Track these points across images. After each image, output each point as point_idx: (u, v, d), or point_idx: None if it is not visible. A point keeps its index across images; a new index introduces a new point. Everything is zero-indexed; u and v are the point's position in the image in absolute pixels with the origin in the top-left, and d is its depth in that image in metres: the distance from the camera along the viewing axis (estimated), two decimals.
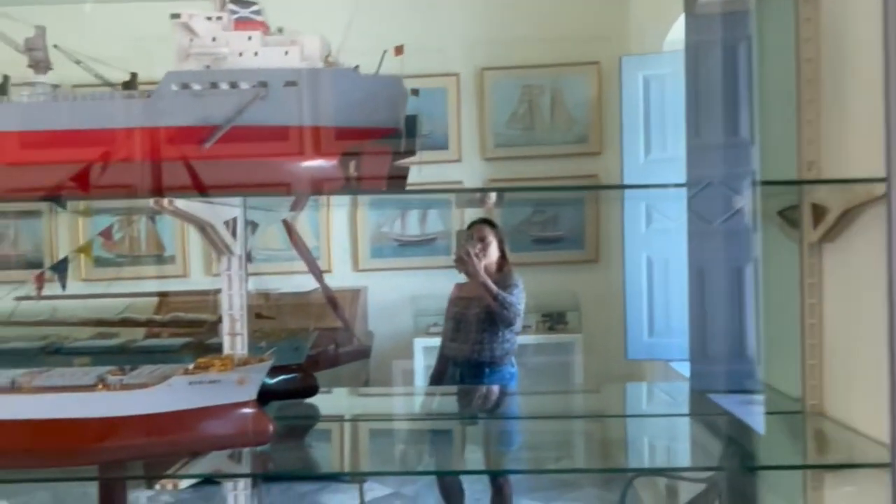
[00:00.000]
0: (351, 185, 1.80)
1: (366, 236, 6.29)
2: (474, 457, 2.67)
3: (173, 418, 1.66)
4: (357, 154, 1.77)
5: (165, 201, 1.66)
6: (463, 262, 4.11)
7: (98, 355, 3.07)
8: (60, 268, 4.14)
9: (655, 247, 5.05)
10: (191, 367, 1.74)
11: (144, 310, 5.11)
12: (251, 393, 1.76)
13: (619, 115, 5.10)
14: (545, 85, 6.09)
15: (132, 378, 1.81)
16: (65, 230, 5.44)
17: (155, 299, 5.37)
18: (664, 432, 2.52)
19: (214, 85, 1.69)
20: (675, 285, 5.08)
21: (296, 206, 4.10)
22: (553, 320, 5.87)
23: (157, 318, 4.06)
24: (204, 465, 1.77)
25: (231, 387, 1.72)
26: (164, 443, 1.68)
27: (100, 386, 1.72)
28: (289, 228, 4.15)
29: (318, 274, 4.00)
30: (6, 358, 3.10)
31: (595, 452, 2.53)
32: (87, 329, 5.06)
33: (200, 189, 1.72)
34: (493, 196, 3.23)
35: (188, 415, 1.66)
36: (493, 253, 4.34)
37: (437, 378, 4.55)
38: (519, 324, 4.36)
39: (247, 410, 1.73)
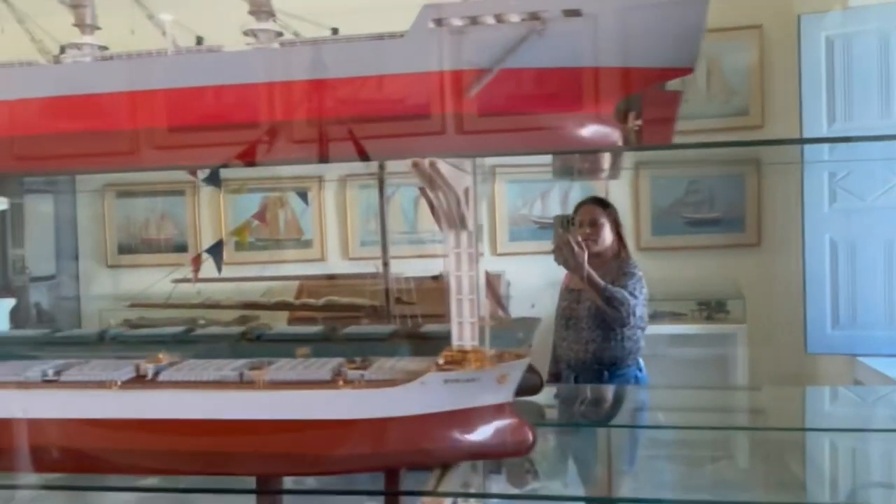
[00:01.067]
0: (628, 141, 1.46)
1: (504, 218, 6.00)
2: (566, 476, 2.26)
3: (425, 422, 1.39)
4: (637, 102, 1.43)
5: (427, 162, 1.38)
6: (562, 253, 3.46)
7: (296, 342, 2.88)
8: (216, 251, 4.02)
9: (839, 228, 4.49)
10: (440, 361, 1.47)
11: (283, 294, 4.99)
12: (509, 393, 1.48)
13: (798, 80, 4.56)
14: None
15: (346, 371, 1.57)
16: (206, 211, 5.41)
17: (293, 284, 5.25)
18: (867, 453, 2.06)
19: (475, 20, 1.39)
20: (864, 271, 4.51)
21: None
22: (711, 309, 5.37)
23: (312, 301, 3.86)
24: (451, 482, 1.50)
25: (490, 386, 1.44)
26: (412, 452, 1.42)
27: (340, 382, 1.48)
28: (427, 199, 3.88)
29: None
30: (203, 345, 2.96)
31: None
32: (230, 313, 5.00)
33: (457, 148, 1.44)
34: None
35: (441, 419, 1.39)
36: (607, 238, 3.76)
37: (553, 381, 4.03)
38: (639, 320, 3.75)
39: (506, 414, 1.44)
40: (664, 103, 1.41)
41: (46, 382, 2.01)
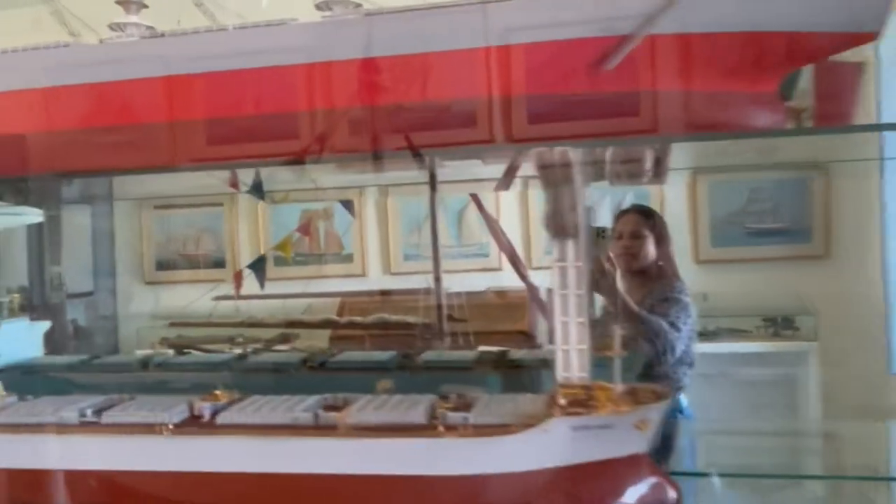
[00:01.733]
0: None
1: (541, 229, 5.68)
2: None
3: (548, 479, 1.14)
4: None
5: (556, 153, 1.13)
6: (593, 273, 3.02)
7: (365, 371, 2.63)
8: (258, 266, 3.80)
9: None
10: (561, 400, 1.21)
11: (323, 312, 4.77)
12: (646, 442, 1.22)
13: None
14: None
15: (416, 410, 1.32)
16: (245, 225, 5.22)
17: (335, 301, 5.02)
18: None
19: None
20: None
21: (505, 183, 3.46)
22: (777, 325, 5.04)
23: (359, 319, 3.62)
24: None
25: (626, 433, 1.19)
26: None
27: (440, 427, 1.22)
28: (479, 204, 3.61)
29: (517, 263, 3.42)
30: (257, 373, 2.73)
31: None
32: (270, 331, 4.79)
33: (581, 133, 1.18)
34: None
35: (568, 475, 1.13)
36: (649, 254, 3.24)
37: None
38: (684, 356, 3.20)
39: (643, 467, 1.18)
40: (842, 78, 1.13)
41: (85, 424, 1.82)
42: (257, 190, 3.80)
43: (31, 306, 4.35)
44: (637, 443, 1.20)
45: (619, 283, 3.19)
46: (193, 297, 5.01)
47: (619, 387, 1.31)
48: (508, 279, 5.22)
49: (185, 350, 3.86)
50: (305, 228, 3.69)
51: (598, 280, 2.88)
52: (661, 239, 3.28)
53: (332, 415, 1.39)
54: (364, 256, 5.24)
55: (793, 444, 3.74)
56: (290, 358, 2.82)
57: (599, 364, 2.48)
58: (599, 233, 2.90)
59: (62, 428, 1.81)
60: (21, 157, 2.13)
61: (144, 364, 2.90)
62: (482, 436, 1.20)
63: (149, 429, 1.70)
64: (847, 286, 4.75)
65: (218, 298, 3.91)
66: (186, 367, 2.88)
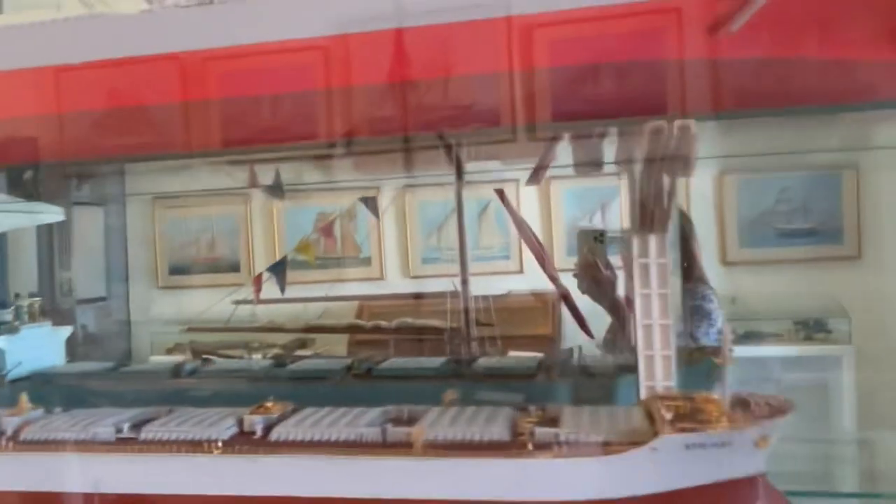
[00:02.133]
0: None
1: (561, 230, 5.55)
2: None
3: None
4: None
5: (676, 126, 0.99)
6: (585, 279, 2.67)
7: (415, 379, 2.48)
8: (278, 269, 3.68)
9: None
10: (666, 414, 1.07)
11: (341, 316, 4.66)
12: (762, 461, 1.08)
13: None
14: None
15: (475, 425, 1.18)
16: (259, 228, 5.11)
17: (352, 305, 4.91)
18: None
19: None
20: None
21: (536, 177, 3.27)
22: (810, 328, 4.87)
23: (384, 324, 3.49)
24: None
25: (745, 451, 1.05)
26: None
27: (529, 446, 1.07)
28: (504, 200, 3.46)
29: (547, 264, 3.25)
30: (297, 382, 2.59)
31: None
32: (286, 336, 4.67)
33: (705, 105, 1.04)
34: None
35: (681, 499, 0.99)
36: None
37: None
38: None
39: (760, 490, 1.04)
40: None
41: (123, 441, 1.69)
42: (277, 188, 3.67)
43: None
44: (756, 462, 1.06)
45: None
46: (210, 301, 4.90)
47: (726, 399, 1.16)
48: (531, 283, 5.11)
49: (205, 356, 3.75)
50: (328, 230, 3.56)
51: (593, 288, 2.71)
52: (685, 238, 2.94)
53: (404, 430, 1.24)
54: (382, 259, 5.11)
55: (826, 453, 3.60)
56: (333, 365, 2.67)
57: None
58: (597, 237, 2.73)
59: (96, 445, 1.69)
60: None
61: (176, 372, 2.76)
62: (579, 455, 1.04)
63: (195, 446, 1.58)
64: (881, 288, 4.60)
65: (237, 303, 3.79)
66: (221, 375, 2.73)
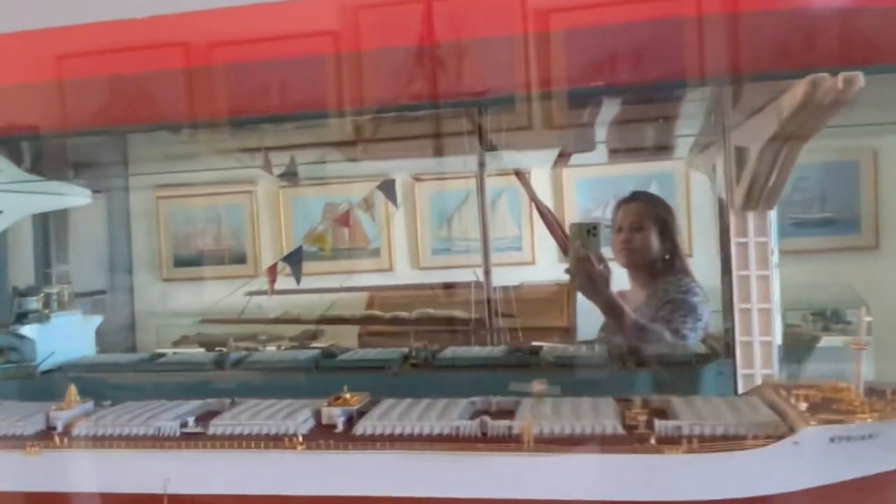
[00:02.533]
0: None
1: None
2: None
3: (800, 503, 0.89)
4: None
5: (840, 80, 0.89)
6: (578, 273, 2.57)
7: (480, 368, 2.35)
8: (294, 260, 3.58)
9: None
10: (800, 404, 0.97)
11: (349, 308, 4.56)
12: None
13: None
14: None
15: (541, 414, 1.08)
16: (265, 218, 5.00)
17: (363, 295, 4.81)
18: None
19: None
20: None
21: (564, 160, 3.13)
22: (827, 319, 4.79)
23: (404, 315, 3.40)
24: None
25: (890, 443, 0.95)
26: None
27: (651, 440, 0.96)
28: (525, 183, 3.35)
29: (566, 245, 3.14)
30: (347, 372, 2.45)
31: None
32: (293, 328, 4.56)
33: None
34: None
35: (827, 497, 0.89)
36: (653, 248, 2.85)
37: None
38: None
39: None
40: None
41: (189, 437, 1.58)
42: (292, 175, 3.55)
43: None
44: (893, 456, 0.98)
45: (627, 282, 2.89)
46: (215, 292, 4.77)
47: (860, 387, 1.07)
48: (543, 274, 5.01)
49: (217, 348, 3.64)
50: (344, 219, 3.45)
51: (584, 282, 2.61)
52: (667, 229, 2.90)
53: (505, 423, 1.12)
54: (391, 250, 5.01)
55: None
56: (388, 355, 2.54)
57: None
58: (589, 230, 2.65)
59: (161, 441, 1.58)
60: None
61: (219, 363, 2.65)
62: (713, 450, 0.93)
63: (274, 442, 1.46)
64: (893, 278, 4.54)
65: (251, 294, 3.68)
66: (267, 365, 2.60)
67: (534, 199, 3.25)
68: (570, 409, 1.27)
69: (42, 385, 2.34)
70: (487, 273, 3.33)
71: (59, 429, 1.79)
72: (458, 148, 3.25)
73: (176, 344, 4.74)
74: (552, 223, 3.29)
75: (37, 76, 2.17)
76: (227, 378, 2.37)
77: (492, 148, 2.90)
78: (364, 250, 4.97)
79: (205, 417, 1.74)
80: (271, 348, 3.48)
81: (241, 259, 4.97)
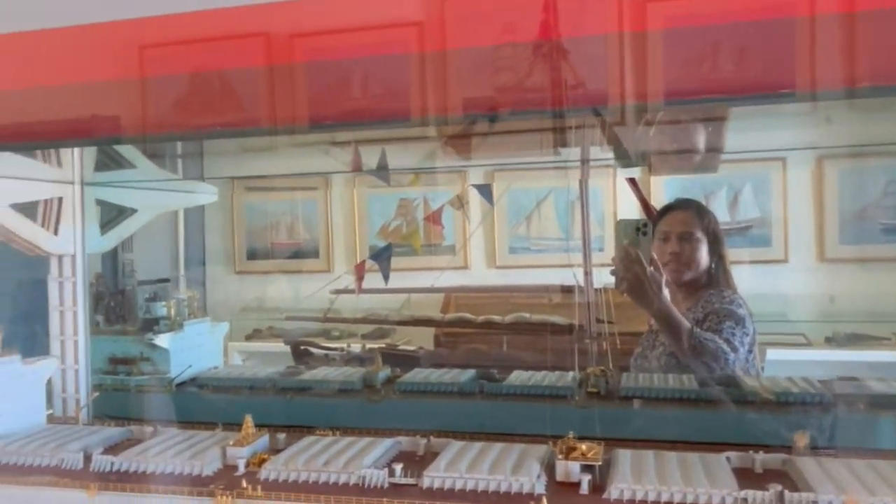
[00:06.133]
0: None
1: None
2: None
3: None
4: None
5: None
6: (627, 276, 2.39)
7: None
8: (382, 257, 3.48)
9: None
10: None
11: (423, 308, 4.48)
12: None
13: None
14: None
15: None
16: (339, 213, 4.93)
17: (438, 296, 4.72)
18: None
19: None
20: None
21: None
22: None
23: (497, 318, 3.29)
24: None
25: None
26: None
27: None
28: (636, 188, 3.21)
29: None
30: (535, 400, 2.17)
31: None
32: (362, 327, 4.49)
33: None
34: None
35: None
36: (702, 261, 2.66)
37: None
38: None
39: None
40: None
41: (401, 490, 1.43)
42: (383, 171, 3.45)
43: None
44: None
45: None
46: (292, 287, 4.72)
47: None
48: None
49: (303, 347, 3.56)
50: (435, 217, 3.34)
51: (635, 286, 2.39)
52: (716, 240, 2.70)
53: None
54: (467, 248, 4.91)
55: None
56: (564, 381, 2.25)
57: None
58: (639, 227, 2.42)
59: (367, 497, 1.43)
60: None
61: (368, 383, 2.34)
62: None
63: (507, 501, 1.31)
64: None
65: (337, 292, 3.60)
66: (423, 387, 2.26)
67: (644, 201, 3.11)
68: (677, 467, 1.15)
69: (176, 400, 2.20)
70: (588, 275, 3.15)
71: (241, 470, 1.66)
72: (546, 145, 3.13)
73: (249, 338, 4.71)
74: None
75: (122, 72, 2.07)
76: (377, 401, 2.16)
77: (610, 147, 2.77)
78: (438, 247, 4.88)
79: (398, 460, 1.59)
80: (355, 347, 3.38)
81: (313, 254, 4.91)
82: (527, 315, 3.33)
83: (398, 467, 1.55)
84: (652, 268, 2.38)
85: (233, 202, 4.85)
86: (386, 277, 3.48)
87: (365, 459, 1.61)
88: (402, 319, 3.60)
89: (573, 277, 3.28)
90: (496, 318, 3.37)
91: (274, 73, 2.02)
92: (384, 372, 2.47)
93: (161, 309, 2.56)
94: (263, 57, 2.03)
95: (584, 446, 1.45)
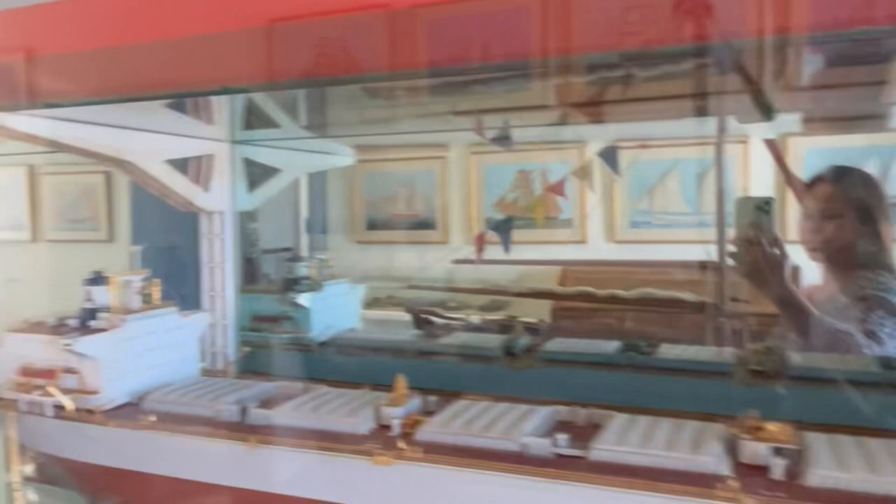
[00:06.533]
0: None
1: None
2: None
3: None
4: None
5: None
6: (745, 259, 2.21)
7: None
8: (504, 228, 3.43)
9: None
10: None
11: (540, 282, 4.40)
12: None
13: None
14: None
15: None
16: (456, 184, 4.92)
17: (554, 269, 4.64)
18: None
19: None
20: None
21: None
22: None
23: (621, 293, 3.16)
24: None
25: None
26: None
27: None
28: (776, 152, 2.96)
29: None
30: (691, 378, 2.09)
31: None
32: (478, 299, 4.47)
33: None
34: None
35: None
36: (848, 239, 2.36)
37: None
38: None
39: None
40: None
41: (564, 461, 1.36)
42: (505, 139, 3.38)
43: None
44: None
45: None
46: (410, 257, 4.78)
47: None
48: None
49: (423, 315, 3.58)
50: (559, 187, 3.26)
51: (755, 270, 2.23)
52: (871, 217, 2.39)
53: None
54: (585, 221, 4.78)
55: None
56: (726, 357, 2.12)
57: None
58: (760, 205, 2.28)
59: (530, 465, 1.36)
60: None
61: (508, 349, 2.25)
62: None
63: (697, 486, 1.20)
64: None
65: (458, 262, 3.59)
66: (569, 357, 2.20)
67: (786, 170, 2.89)
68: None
69: (318, 359, 2.25)
70: (722, 251, 2.98)
71: (396, 430, 1.63)
72: (678, 111, 2.96)
73: (368, 306, 4.81)
74: (802, 196, 2.93)
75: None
76: (520, 368, 2.11)
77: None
78: (554, 220, 4.78)
79: (560, 430, 1.49)
80: (474, 318, 3.36)
81: (430, 225, 4.94)
82: (653, 291, 3.19)
83: (562, 437, 1.47)
84: (775, 248, 2.21)
85: (354, 172, 4.95)
86: (506, 248, 3.44)
87: (525, 427, 1.54)
88: (522, 291, 3.54)
89: (702, 253, 3.11)
90: (620, 292, 3.24)
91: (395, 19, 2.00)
92: (524, 339, 2.43)
93: (302, 269, 2.62)
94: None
95: (772, 427, 1.34)
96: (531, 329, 2.76)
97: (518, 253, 4.66)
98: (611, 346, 2.29)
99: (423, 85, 3.44)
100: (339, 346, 2.39)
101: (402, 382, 1.74)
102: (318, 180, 4.81)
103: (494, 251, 3.93)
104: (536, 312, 4.30)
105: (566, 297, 3.44)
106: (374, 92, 3.83)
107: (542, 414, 1.65)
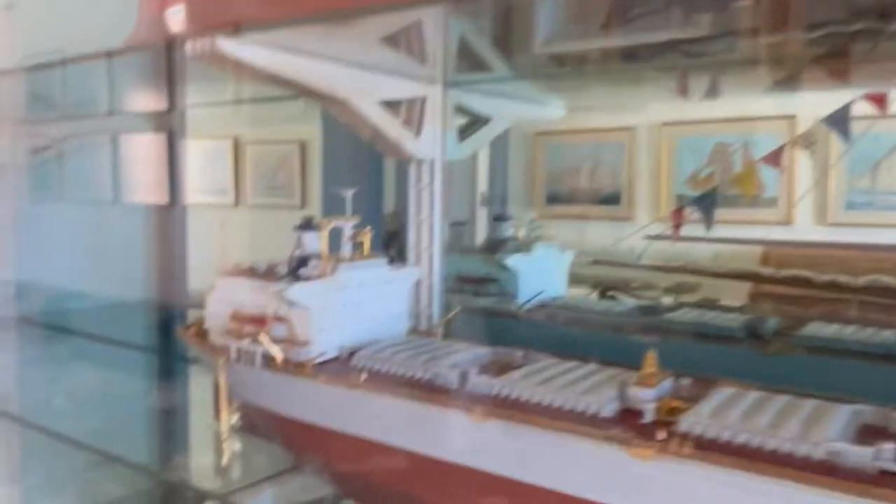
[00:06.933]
0: None
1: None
2: None
3: None
4: None
5: None
6: None
7: None
8: (705, 204, 3.14)
9: None
10: None
11: (738, 262, 4.02)
12: None
13: None
14: None
15: None
16: (645, 158, 4.64)
17: (754, 251, 4.23)
18: None
19: None
20: None
21: None
22: None
23: (844, 280, 2.78)
24: None
25: None
26: None
27: None
28: None
29: None
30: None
31: None
32: (665, 279, 4.19)
33: None
34: None
35: None
36: None
37: None
38: None
39: None
40: None
41: (884, 478, 1.12)
42: (713, 91, 3.08)
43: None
44: None
45: None
46: (590, 233, 4.58)
47: None
48: None
49: (609, 293, 3.40)
50: (776, 158, 2.92)
51: None
52: None
53: None
54: (790, 202, 4.30)
55: None
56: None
57: None
58: None
59: (803, 469, 1.10)
60: None
61: (753, 330, 2.03)
62: None
63: None
64: None
65: (651, 238, 3.37)
66: (807, 343, 1.91)
67: None
68: None
69: (526, 325, 2.09)
70: None
71: (648, 417, 1.36)
72: None
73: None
74: None
75: None
76: (775, 354, 1.84)
77: None
78: (758, 199, 4.35)
79: (867, 434, 1.18)
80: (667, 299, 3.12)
81: (614, 200, 4.70)
82: (883, 277, 2.79)
83: (889, 448, 1.14)
84: None
85: (534, 150, 4.81)
86: (708, 226, 3.18)
87: (827, 429, 1.22)
88: (714, 271, 3.24)
89: None
90: (843, 279, 2.86)
91: None
92: (774, 321, 2.13)
93: (509, 229, 2.46)
94: None
95: None
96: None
97: (714, 233, 4.29)
98: (882, 335, 1.93)
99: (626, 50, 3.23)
100: (549, 314, 2.22)
101: (652, 359, 1.48)
102: (498, 152, 4.73)
103: (688, 229, 3.63)
104: (732, 296, 3.93)
105: (777, 280, 3.10)
106: (562, 60, 3.66)
107: (841, 413, 1.32)
